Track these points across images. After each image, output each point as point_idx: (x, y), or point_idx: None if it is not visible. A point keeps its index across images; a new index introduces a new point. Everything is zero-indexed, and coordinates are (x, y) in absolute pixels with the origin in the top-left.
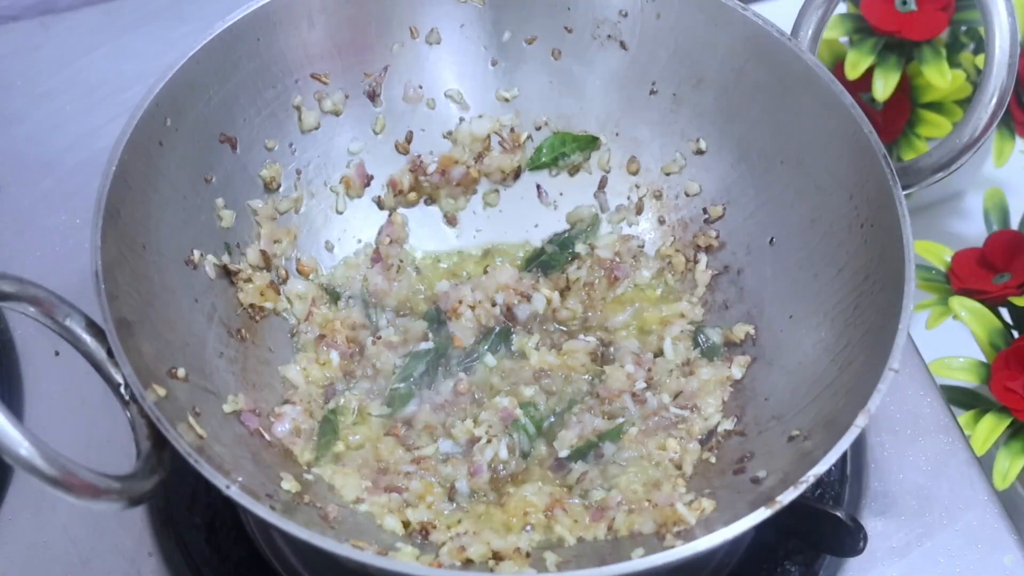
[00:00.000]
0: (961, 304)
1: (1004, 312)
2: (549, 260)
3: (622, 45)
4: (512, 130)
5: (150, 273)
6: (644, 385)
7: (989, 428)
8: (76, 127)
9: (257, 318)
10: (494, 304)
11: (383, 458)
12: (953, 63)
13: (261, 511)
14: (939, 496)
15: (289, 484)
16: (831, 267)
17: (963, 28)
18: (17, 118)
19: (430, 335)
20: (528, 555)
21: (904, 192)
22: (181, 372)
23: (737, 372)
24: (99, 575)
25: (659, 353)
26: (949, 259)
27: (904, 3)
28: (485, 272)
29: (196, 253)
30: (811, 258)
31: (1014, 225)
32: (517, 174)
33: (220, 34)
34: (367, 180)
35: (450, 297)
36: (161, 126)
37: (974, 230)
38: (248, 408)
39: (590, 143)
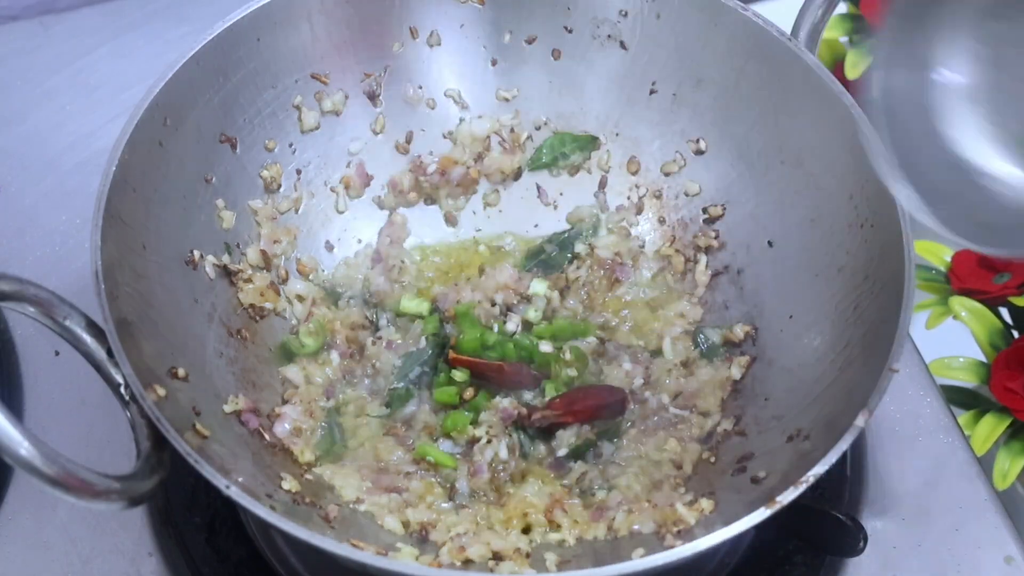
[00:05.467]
0: (961, 304)
1: (1004, 312)
2: (549, 260)
3: (622, 45)
4: (512, 130)
5: (150, 273)
6: (642, 382)
7: (989, 428)
8: (76, 127)
9: (257, 318)
10: (494, 304)
11: (383, 458)
12: None
13: (261, 511)
14: (939, 496)
15: (289, 484)
16: (831, 267)
17: None
18: (17, 118)
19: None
20: (528, 555)
21: None
22: (181, 372)
23: (736, 372)
24: (99, 575)
25: (657, 353)
26: (949, 259)
27: None
28: (482, 273)
29: (196, 253)
30: (811, 258)
31: None
32: (517, 174)
33: (220, 34)
34: (367, 180)
35: (449, 297)
36: (161, 126)
37: None
38: (248, 408)
39: (590, 143)
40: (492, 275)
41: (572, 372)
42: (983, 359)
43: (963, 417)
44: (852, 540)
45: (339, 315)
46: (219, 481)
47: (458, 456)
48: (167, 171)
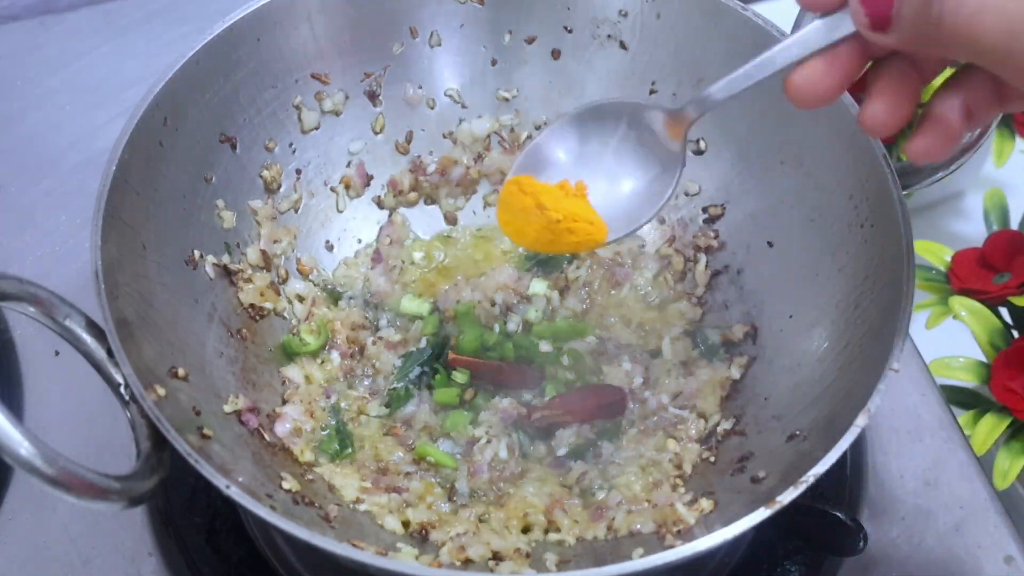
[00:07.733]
0: (961, 304)
1: (1004, 312)
2: (549, 260)
3: (622, 45)
4: (512, 130)
5: (150, 273)
6: (642, 382)
7: (989, 428)
8: (76, 127)
9: (257, 318)
10: (494, 304)
11: (383, 458)
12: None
13: (261, 511)
14: (939, 496)
15: (289, 484)
16: (831, 267)
17: None
18: (17, 118)
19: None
20: (528, 555)
21: (904, 192)
22: (181, 372)
23: (736, 372)
24: (99, 575)
25: (657, 353)
26: (949, 259)
27: None
28: (482, 273)
29: (196, 253)
30: (811, 258)
31: (1014, 225)
32: None
33: (220, 34)
34: (367, 180)
35: (449, 297)
36: (161, 126)
37: (974, 230)
38: (248, 408)
39: None
40: (492, 275)
41: (571, 376)
42: (983, 359)
43: (963, 417)
44: (852, 540)
45: (339, 315)
46: (219, 481)
47: (458, 456)
48: (167, 171)
